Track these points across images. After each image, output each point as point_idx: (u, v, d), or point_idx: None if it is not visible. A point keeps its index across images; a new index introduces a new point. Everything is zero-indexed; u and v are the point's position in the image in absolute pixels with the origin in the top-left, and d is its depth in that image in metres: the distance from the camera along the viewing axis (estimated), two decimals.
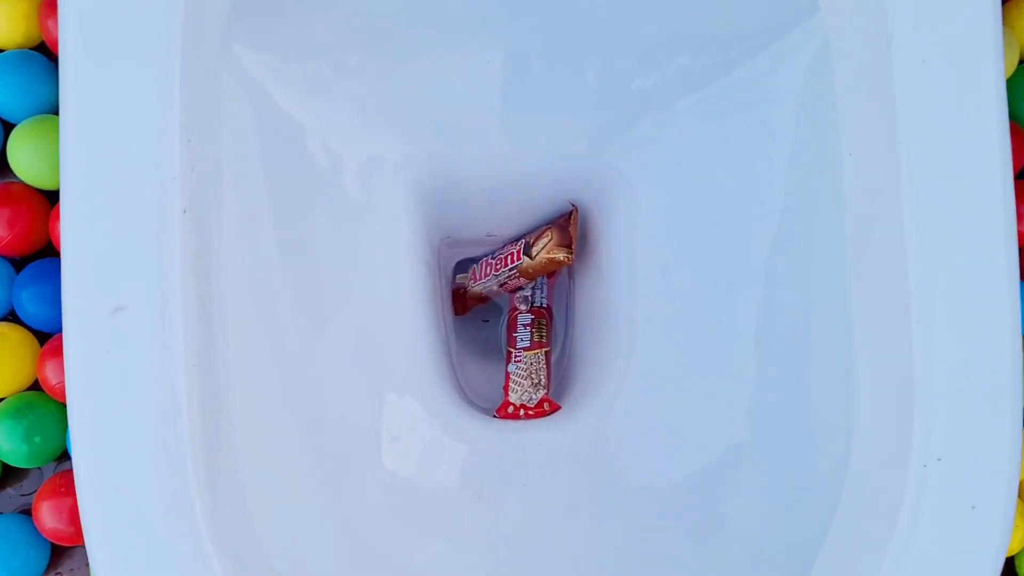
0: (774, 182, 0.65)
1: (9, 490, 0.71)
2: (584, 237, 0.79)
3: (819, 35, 0.59)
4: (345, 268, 0.68)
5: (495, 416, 0.75)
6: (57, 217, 0.69)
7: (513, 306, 0.80)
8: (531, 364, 0.77)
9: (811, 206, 0.62)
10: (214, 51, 0.55)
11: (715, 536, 0.63)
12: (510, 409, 0.75)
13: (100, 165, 0.49)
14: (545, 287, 0.81)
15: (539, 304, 0.80)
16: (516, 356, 0.77)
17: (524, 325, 0.78)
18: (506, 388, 0.76)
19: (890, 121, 0.52)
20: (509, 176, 0.76)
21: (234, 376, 0.53)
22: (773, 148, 0.65)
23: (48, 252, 0.72)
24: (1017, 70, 0.73)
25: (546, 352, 0.78)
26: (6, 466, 0.71)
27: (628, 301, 0.74)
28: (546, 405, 0.75)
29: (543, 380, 0.76)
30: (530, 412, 0.75)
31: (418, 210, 0.74)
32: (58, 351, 0.67)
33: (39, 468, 0.71)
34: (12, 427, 0.66)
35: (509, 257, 0.78)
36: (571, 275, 0.82)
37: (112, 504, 0.47)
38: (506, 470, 0.70)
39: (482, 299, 0.81)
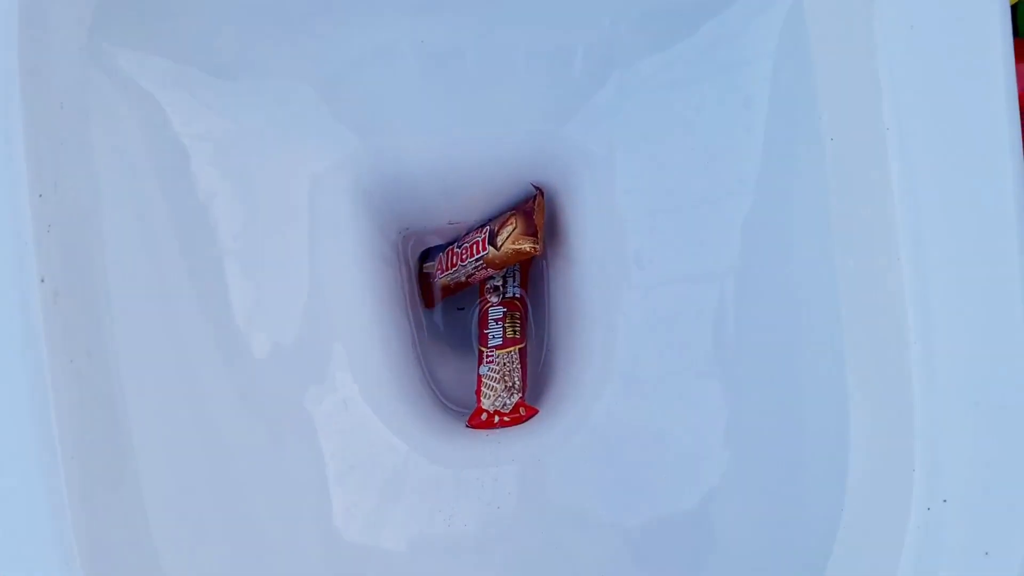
0: (751, 156, 0.57)
1: None
2: (553, 221, 0.71)
3: None
4: (284, 281, 0.61)
5: (468, 426, 0.69)
6: None
7: (484, 298, 0.74)
8: (504, 364, 0.71)
9: (790, 185, 0.54)
10: (75, 57, 0.47)
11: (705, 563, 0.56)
12: (483, 416, 0.69)
13: None
14: (518, 275, 0.74)
15: (512, 295, 0.73)
16: (488, 356, 0.71)
17: (496, 320, 0.72)
18: (478, 393, 0.70)
19: (874, 102, 0.43)
20: (464, 162, 0.69)
21: (143, 454, 0.47)
22: (749, 118, 0.57)
23: None
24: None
25: (520, 349, 0.71)
26: None
27: (603, 294, 0.67)
28: (522, 410, 0.69)
29: (517, 382, 0.70)
30: (505, 419, 0.69)
31: (365, 210, 0.67)
32: None
33: None
34: None
35: (474, 247, 0.71)
36: (545, 260, 0.74)
37: None
38: (479, 494, 0.64)
39: (451, 289, 0.74)
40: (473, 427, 0.69)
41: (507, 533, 0.62)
